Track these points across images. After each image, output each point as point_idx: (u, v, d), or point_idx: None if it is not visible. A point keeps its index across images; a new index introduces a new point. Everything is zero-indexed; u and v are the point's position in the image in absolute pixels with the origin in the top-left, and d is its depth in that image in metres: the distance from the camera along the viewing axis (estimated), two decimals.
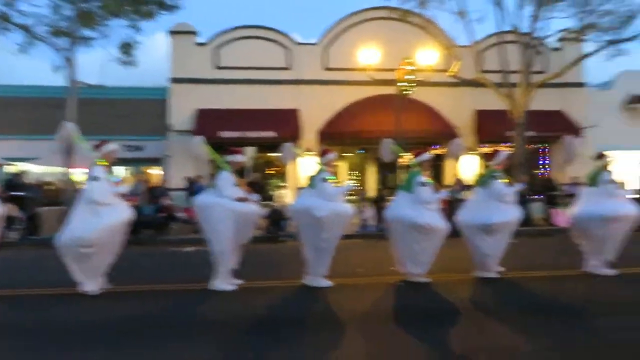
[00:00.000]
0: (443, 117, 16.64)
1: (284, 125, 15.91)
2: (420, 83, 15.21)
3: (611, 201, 6.88)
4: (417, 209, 6.45)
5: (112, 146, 6.28)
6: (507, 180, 7.15)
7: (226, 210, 6.13)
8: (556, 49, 17.67)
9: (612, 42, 14.26)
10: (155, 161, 17.35)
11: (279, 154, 7.74)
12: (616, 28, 13.98)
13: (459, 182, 14.50)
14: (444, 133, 16.52)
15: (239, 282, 6.42)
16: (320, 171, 6.58)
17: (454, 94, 17.00)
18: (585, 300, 5.76)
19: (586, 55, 15.03)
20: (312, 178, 6.63)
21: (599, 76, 19.55)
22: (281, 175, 17.27)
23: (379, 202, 13.69)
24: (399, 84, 14.56)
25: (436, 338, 4.40)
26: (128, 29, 14.57)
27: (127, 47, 14.73)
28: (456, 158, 8.16)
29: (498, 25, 15.09)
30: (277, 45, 17.21)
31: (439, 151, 17.22)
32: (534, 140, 16.89)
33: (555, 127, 17.01)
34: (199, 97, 16.36)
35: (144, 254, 9.61)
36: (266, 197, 15.35)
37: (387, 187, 16.78)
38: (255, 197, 6.63)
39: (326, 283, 6.45)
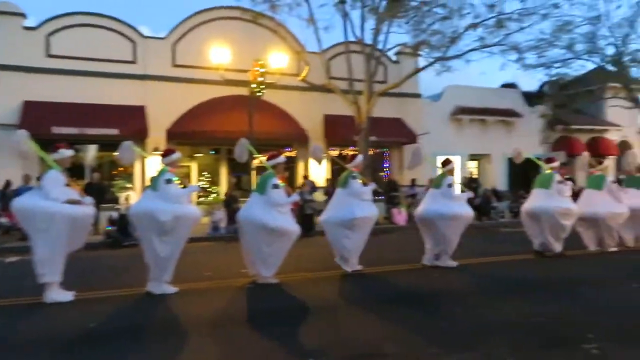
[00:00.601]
0: (294, 120, 17.06)
1: (128, 123, 14.81)
2: (272, 86, 15.41)
3: (451, 202, 7.76)
4: (269, 211, 6.48)
5: None
6: (363, 181, 7.63)
7: (51, 214, 5.48)
8: (395, 62, 19.30)
9: (440, 59, 15.97)
10: None
11: (117, 153, 7.13)
12: (444, 47, 15.68)
13: (309, 183, 15.01)
14: (295, 136, 16.98)
15: (72, 292, 5.82)
16: (162, 172, 6.25)
17: (304, 98, 17.55)
18: (430, 291, 6.35)
19: (420, 69, 16.62)
20: (155, 179, 6.28)
21: (434, 88, 21.87)
22: (128, 177, 16.11)
23: (230, 204, 13.50)
24: (251, 85, 14.56)
25: (287, 337, 4.44)
26: None
27: None
28: (318, 161, 8.46)
29: (345, 35, 15.96)
30: (121, 37, 15.97)
31: (290, 153, 17.69)
32: (376, 144, 18.22)
33: (395, 133, 18.61)
34: (26, 88, 14.44)
35: None
36: (110, 200, 14.19)
37: (241, 188, 16.70)
38: (89, 199, 5.99)
39: (171, 289, 6.15)
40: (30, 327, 4.89)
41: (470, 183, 16.80)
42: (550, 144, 22.00)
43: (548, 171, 8.92)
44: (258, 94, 14.62)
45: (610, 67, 21.57)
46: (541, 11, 15.51)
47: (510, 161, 13.03)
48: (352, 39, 15.98)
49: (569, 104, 22.51)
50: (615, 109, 23.17)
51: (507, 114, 21.24)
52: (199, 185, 15.05)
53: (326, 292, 6.34)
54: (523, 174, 8.78)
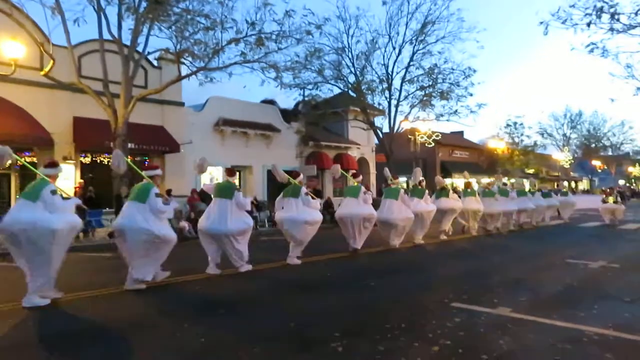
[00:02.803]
0: (35, 121, 14.78)
1: None
2: (5, 79, 13.04)
3: (310, 209, 9.30)
4: (153, 219, 6.78)
5: None
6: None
7: None
8: (157, 67, 18.52)
9: (202, 69, 15.90)
10: None
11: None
12: (206, 57, 15.66)
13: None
14: (37, 139, 14.72)
15: None
16: (44, 182, 6.08)
17: (49, 97, 15.40)
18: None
19: (182, 77, 16.24)
20: (35, 189, 6.02)
21: (199, 98, 21.69)
22: None
23: None
24: None
25: None
26: None
27: None
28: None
29: (100, 32, 14.55)
30: None
31: (31, 158, 15.23)
32: (136, 152, 17.09)
33: (156, 141, 17.78)
34: None
35: None
36: None
37: None
38: None
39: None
40: None
41: None
42: (304, 158, 24.12)
43: (355, 184, 11.07)
44: None
45: (351, 93, 24.88)
46: (296, 36, 16.86)
47: (270, 173, 13.65)
48: (108, 37, 14.68)
49: (319, 123, 25.16)
50: (356, 130, 26.86)
51: (267, 128, 22.47)
52: None
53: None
54: (281, 186, 9.49)
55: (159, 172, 7.53)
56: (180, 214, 15.57)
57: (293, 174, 9.97)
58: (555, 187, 25.34)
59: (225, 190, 8.32)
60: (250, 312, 5.68)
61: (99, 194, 15.51)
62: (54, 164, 6.54)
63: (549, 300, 6.11)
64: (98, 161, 17.26)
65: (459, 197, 14.93)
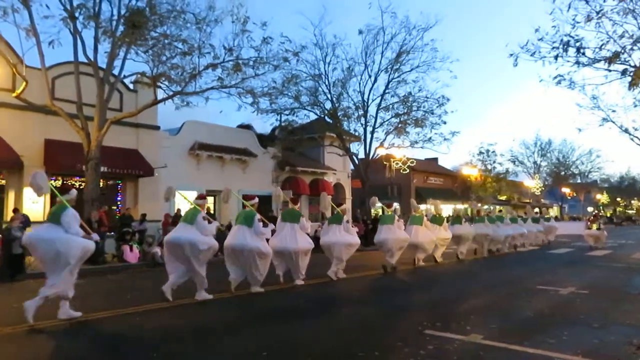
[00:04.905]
0: (5, 143, 14.45)
1: None
2: None
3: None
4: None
5: None
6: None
7: None
8: (132, 90, 18.40)
9: (178, 93, 15.86)
10: None
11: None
12: (183, 82, 15.65)
13: (20, 217, 12.66)
14: (6, 161, 14.39)
15: None
16: (65, 207, 6.31)
17: (20, 119, 15.11)
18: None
19: (158, 101, 16.15)
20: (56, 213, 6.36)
21: (174, 122, 21.54)
22: None
23: None
24: None
25: None
26: None
27: None
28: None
29: (75, 54, 14.43)
30: None
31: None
32: (109, 175, 16.82)
33: (130, 165, 17.54)
34: None
35: None
36: None
37: None
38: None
39: None
40: None
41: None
42: (280, 183, 24.09)
43: (339, 210, 11.39)
44: None
45: (328, 119, 25.13)
46: (273, 62, 17.02)
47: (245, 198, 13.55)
48: (83, 59, 14.57)
49: (295, 148, 25.26)
50: (332, 155, 27.05)
51: (243, 153, 22.42)
52: None
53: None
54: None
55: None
56: (153, 239, 15.30)
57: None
58: (538, 213, 26.59)
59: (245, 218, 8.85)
60: (219, 340, 5.58)
61: None
62: (68, 188, 7.09)
63: (520, 327, 6.17)
64: (69, 184, 16.90)
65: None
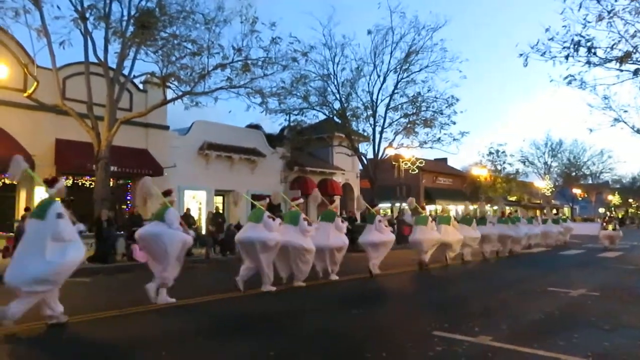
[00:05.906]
0: (16, 142, 14.59)
1: None
2: None
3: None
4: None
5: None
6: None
7: None
8: (142, 90, 18.52)
9: (188, 93, 15.94)
10: None
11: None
12: (192, 82, 15.72)
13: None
14: None
15: None
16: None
17: (32, 119, 15.26)
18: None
19: (167, 101, 16.26)
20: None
21: (183, 122, 21.67)
22: None
23: None
24: None
25: None
26: None
27: None
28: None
29: (86, 54, 14.56)
30: None
31: (9, 180, 14.98)
32: (119, 175, 16.94)
33: (140, 164, 17.64)
34: None
35: None
36: None
37: None
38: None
39: None
40: None
41: (215, 218, 16.97)
42: (289, 183, 24.10)
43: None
44: None
45: (336, 119, 25.10)
46: (282, 62, 17.05)
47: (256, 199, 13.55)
48: (93, 59, 14.69)
49: (304, 148, 25.26)
50: (341, 155, 27.01)
51: (251, 153, 22.46)
52: None
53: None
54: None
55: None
56: None
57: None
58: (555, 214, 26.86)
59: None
60: (229, 337, 5.58)
61: (79, 218, 15.22)
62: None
63: (529, 329, 6.11)
64: (80, 184, 17.03)
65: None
